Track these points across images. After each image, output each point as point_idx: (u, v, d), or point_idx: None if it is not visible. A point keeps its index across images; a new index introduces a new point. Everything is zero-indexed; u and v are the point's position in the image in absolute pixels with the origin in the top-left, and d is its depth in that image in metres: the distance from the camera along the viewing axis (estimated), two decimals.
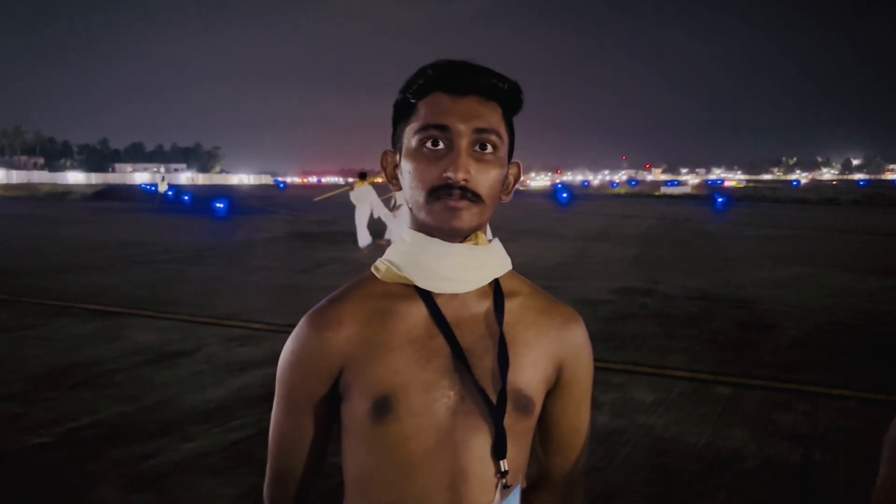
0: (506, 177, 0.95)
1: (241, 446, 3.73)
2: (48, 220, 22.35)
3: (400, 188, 0.96)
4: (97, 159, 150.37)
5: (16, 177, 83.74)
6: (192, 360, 5.43)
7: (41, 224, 20.86)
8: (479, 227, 0.93)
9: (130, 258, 11.97)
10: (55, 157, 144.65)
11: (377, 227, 13.92)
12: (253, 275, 10.15)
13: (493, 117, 0.91)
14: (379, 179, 15.16)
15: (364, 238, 13.31)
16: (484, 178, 0.89)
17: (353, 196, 13.50)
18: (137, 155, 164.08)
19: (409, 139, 0.91)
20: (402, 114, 0.94)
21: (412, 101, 0.92)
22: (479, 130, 0.89)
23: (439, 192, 0.88)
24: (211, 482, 3.32)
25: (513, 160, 0.98)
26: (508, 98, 0.93)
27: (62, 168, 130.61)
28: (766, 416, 4.25)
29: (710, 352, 5.78)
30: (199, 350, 5.75)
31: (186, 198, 35.19)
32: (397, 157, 0.96)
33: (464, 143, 0.88)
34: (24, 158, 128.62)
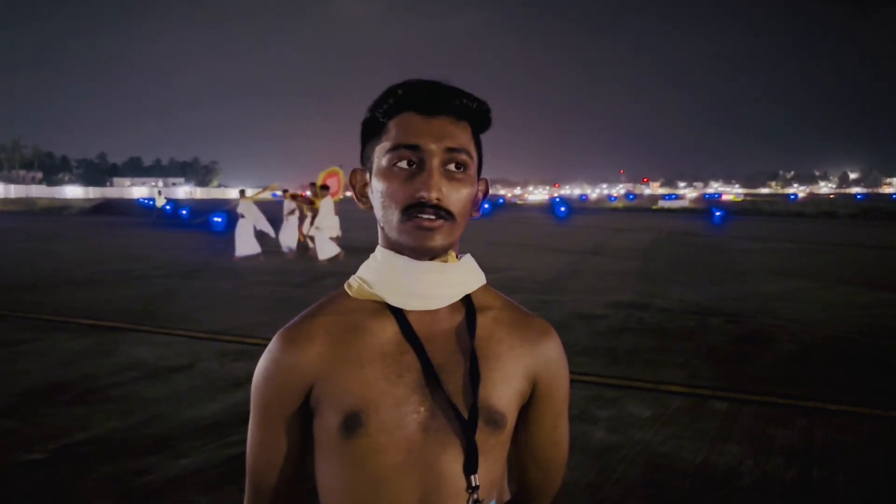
0: (476, 194, 0.97)
1: (236, 462, 3.71)
2: (45, 235, 22.33)
3: (369, 207, 0.97)
4: (95, 174, 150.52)
5: (14, 191, 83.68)
6: (187, 376, 5.42)
7: (38, 238, 20.83)
8: (450, 246, 0.94)
9: (127, 273, 11.96)
10: (53, 171, 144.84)
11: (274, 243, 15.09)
12: (249, 289, 10.14)
13: (463, 136, 0.92)
14: (273, 193, 17.01)
15: (241, 248, 14.25)
16: (456, 196, 0.91)
17: (238, 209, 14.86)
18: (135, 169, 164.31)
19: (380, 158, 0.92)
20: (371, 132, 0.95)
21: (382, 120, 0.93)
22: (451, 150, 0.90)
23: (412, 211, 0.89)
24: (205, 499, 3.30)
25: (480, 177, 1.00)
26: (477, 117, 0.94)
27: (60, 182, 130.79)
28: (762, 432, 4.24)
29: (706, 366, 5.77)
30: (194, 365, 5.73)
31: (184, 212, 35.20)
32: (367, 175, 0.97)
33: (435, 162, 0.89)
34: (22, 173, 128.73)
